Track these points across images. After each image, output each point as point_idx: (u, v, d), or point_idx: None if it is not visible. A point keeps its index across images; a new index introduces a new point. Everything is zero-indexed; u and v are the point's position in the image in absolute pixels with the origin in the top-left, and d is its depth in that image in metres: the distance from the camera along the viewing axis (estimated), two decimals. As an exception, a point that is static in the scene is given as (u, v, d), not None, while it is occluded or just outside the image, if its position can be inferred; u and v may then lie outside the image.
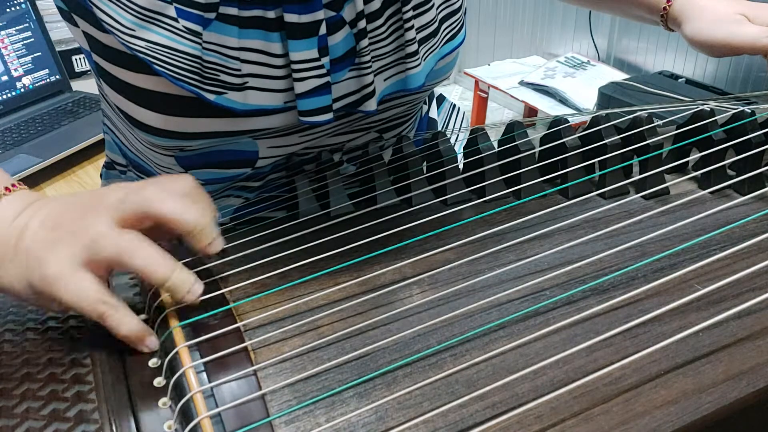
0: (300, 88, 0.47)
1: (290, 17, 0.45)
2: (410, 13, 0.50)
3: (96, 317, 0.36)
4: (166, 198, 0.37)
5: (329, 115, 0.49)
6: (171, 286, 0.37)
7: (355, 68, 0.50)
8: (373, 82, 0.50)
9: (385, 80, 0.52)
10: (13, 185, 0.41)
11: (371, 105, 0.51)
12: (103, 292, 0.36)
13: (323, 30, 0.46)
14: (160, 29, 0.43)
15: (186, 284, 0.37)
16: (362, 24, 0.47)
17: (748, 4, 0.63)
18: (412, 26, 0.50)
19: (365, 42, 0.48)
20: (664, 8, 0.65)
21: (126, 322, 0.36)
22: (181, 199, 0.38)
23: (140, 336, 0.37)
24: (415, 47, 0.51)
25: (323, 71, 0.47)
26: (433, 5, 0.52)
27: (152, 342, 0.37)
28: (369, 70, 0.49)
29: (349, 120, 0.55)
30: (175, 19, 0.43)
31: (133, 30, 0.43)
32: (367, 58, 0.49)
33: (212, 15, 0.43)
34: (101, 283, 0.36)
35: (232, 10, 0.44)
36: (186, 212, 0.37)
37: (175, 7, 0.43)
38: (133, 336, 0.36)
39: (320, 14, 0.45)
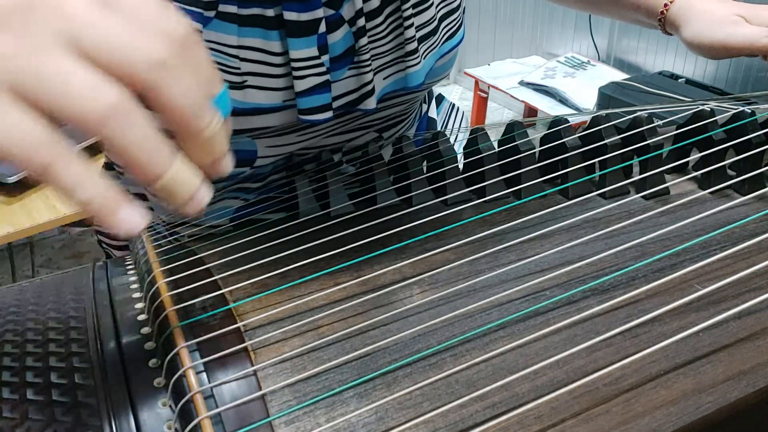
0: (300, 86, 0.47)
1: (290, 15, 0.45)
2: (410, 11, 0.50)
3: (38, 170, 0.23)
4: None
5: (329, 114, 0.49)
6: (166, 186, 0.25)
7: (354, 66, 0.50)
8: (372, 81, 0.50)
9: (384, 78, 0.53)
10: None
11: (371, 103, 0.51)
12: (51, 133, 0.23)
13: (323, 28, 0.46)
14: None
15: (187, 186, 0.25)
16: (361, 22, 0.48)
17: (746, 5, 0.63)
18: (412, 24, 0.50)
19: (364, 40, 0.48)
20: (662, 12, 0.65)
21: (86, 182, 0.24)
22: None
23: (110, 207, 0.24)
24: (414, 45, 0.51)
25: (323, 69, 0.47)
26: (432, 4, 0.52)
27: (130, 216, 0.24)
28: (368, 69, 0.49)
29: (347, 119, 0.55)
30: None
31: None
32: (367, 56, 0.49)
33: (212, 13, 0.43)
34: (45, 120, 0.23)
35: (232, 8, 0.44)
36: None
37: (175, 5, 0.43)
38: (98, 204, 0.24)
39: (319, 12, 0.45)
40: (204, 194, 0.26)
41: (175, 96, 0.24)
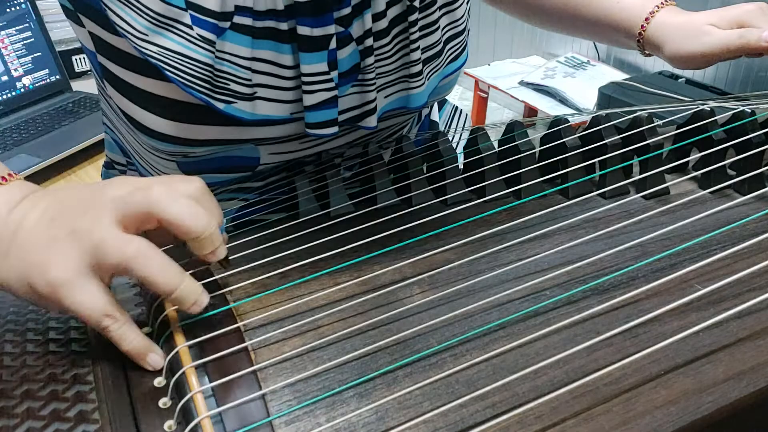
0: (309, 100, 0.48)
1: (303, 30, 0.45)
2: (417, 34, 0.50)
3: (99, 329, 0.35)
4: (173, 200, 0.36)
5: (335, 128, 0.50)
6: (177, 297, 0.36)
7: (358, 84, 0.50)
8: (375, 99, 0.50)
9: (386, 97, 0.53)
10: (9, 175, 0.39)
11: (372, 121, 0.51)
12: (108, 304, 0.35)
13: (333, 44, 0.46)
14: (174, 35, 0.43)
15: (192, 296, 0.36)
16: (369, 42, 0.48)
17: (714, 11, 0.63)
18: (418, 47, 0.50)
19: (371, 59, 0.49)
20: (639, 33, 0.65)
21: (129, 338, 0.35)
22: (188, 202, 0.36)
23: (142, 354, 0.36)
24: (419, 67, 0.51)
25: (332, 85, 0.48)
26: (438, 27, 0.52)
27: (154, 360, 0.36)
28: (372, 87, 0.50)
29: (348, 129, 0.55)
30: (190, 27, 0.43)
31: (146, 35, 0.43)
32: (372, 75, 0.49)
33: (226, 24, 0.43)
34: (107, 291, 0.35)
35: (247, 20, 0.44)
36: (193, 217, 0.36)
37: (191, 15, 0.43)
38: (135, 353, 0.35)
39: (331, 29, 0.46)
40: (204, 299, 0.37)
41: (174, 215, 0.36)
